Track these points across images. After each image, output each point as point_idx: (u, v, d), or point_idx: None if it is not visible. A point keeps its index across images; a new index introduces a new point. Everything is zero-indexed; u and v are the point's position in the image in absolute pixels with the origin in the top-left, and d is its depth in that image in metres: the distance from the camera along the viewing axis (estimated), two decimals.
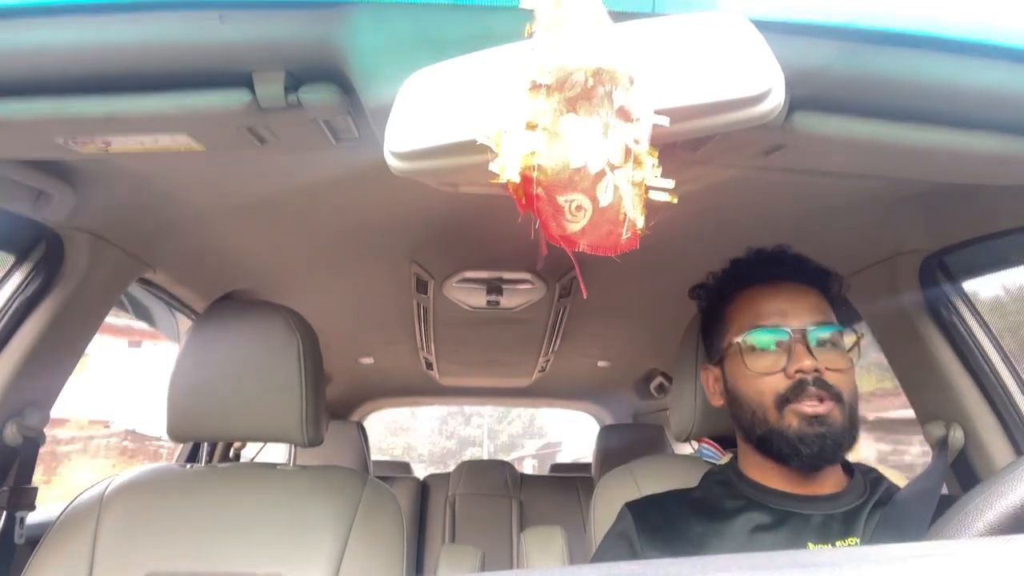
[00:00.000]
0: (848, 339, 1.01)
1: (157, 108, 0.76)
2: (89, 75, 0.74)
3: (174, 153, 0.88)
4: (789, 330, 0.97)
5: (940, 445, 1.27)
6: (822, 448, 0.93)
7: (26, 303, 1.25)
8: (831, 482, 1.00)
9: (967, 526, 0.53)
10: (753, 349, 0.99)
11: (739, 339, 1.00)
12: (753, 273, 1.06)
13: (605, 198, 0.55)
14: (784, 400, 0.95)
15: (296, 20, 0.70)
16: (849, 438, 0.95)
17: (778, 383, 0.96)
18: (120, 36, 0.70)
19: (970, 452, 1.27)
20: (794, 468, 0.97)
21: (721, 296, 1.10)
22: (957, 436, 1.26)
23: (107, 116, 0.77)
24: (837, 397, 0.95)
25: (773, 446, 0.96)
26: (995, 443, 1.25)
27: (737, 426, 1.05)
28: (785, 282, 1.04)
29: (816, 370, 0.94)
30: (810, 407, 0.94)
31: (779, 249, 1.08)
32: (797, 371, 0.95)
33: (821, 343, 0.98)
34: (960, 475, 1.30)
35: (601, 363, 2.86)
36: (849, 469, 1.04)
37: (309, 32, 0.71)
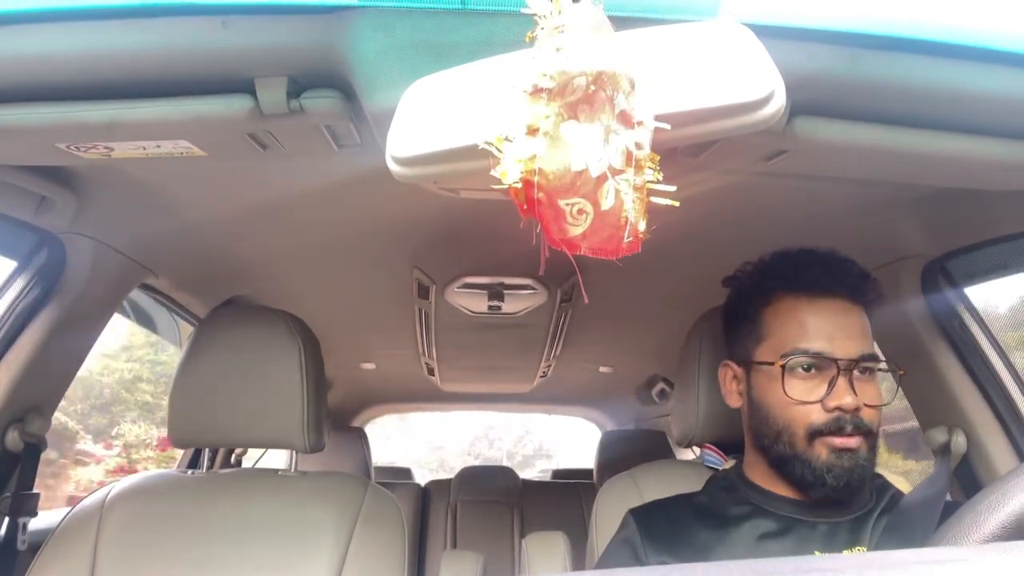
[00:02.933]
0: (883, 363, 0.98)
1: (159, 114, 0.76)
2: (91, 81, 0.74)
3: (176, 159, 0.88)
4: (836, 361, 0.93)
5: (943, 451, 1.27)
6: (849, 481, 0.91)
7: (28, 309, 1.25)
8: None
9: (970, 532, 0.53)
10: (794, 372, 0.94)
11: (780, 360, 0.95)
12: (797, 275, 1.00)
13: (607, 202, 0.55)
14: (817, 432, 0.92)
15: (298, 26, 0.70)
16: (871, 470, 0.94)
17: (813, 414, 0.93)
18: (122, 42, 0.70)
19: (973, 457, 1.27)
20: (813, 496, 0.95)
21: (759, 291, 1.03)
22: (959, 442, 1.26)
23: (109, 122, 0.77)
24: (868, 433, 0.93)
25: (795, 471, 0.94)
26: (998, 448, 1.24)
27: (753, 436, 1.02)
28: (832, 297, 0.97)
29: (856, 408, 0.91)
30: (842, 441, 0.91)
31: (828, 251, 1.02)
32: (837, 407, 0.91)
33: (863, 372, 0.95)
34: (962, 481, 1.29)
35: (603, 368, 2.86)
36: None
37: (311, 38, 0.71)
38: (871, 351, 0.96)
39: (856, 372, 0.93)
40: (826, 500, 0.95)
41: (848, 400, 0.91)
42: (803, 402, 0.93)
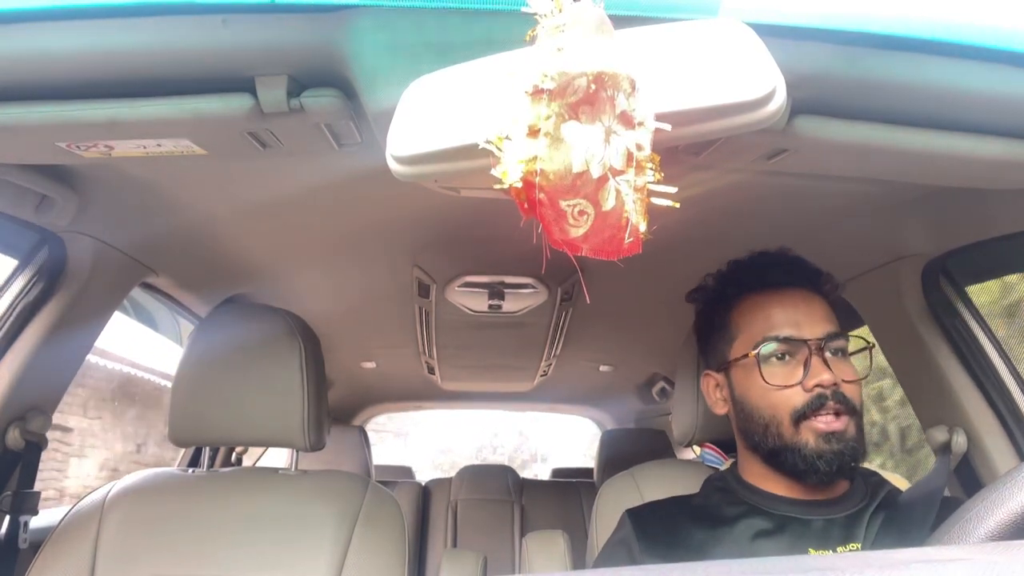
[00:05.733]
0: (853, 345, 1.01)
1: (159, 113, 0.76)
2: (92, 80, 0.74)
3: (177, 158, 0.88)
4: (806, 342, 0.96)
5: (943, 449, 1.27)
6: (841, 465, 0.92)
7: (29, 307, 1.26)
8: (833, 487, 0.99)
9: (969, 532, 0.53)
10: (768, 361, 0.97)
11: (753, 351, 0.98)
12: (756, 277, 1.05)
13: (608, 203, 0.55)
14: (801, 416, 0.93)
15: (299, 25, 0.70)
16: (862, 452, 0.95)
17: (794, 397, 0.94)
18: (123, 40, 0.70)
19: (973, 456, 1.27)
20: (809, 483, 0.96)
21: (722, 299, 1.08)
22: (960, 441, 1.26)
23: (109, 121, 0.77)
24: (852, 410, 0.94)
25: (787, 461, 0.95)
26: (998, 447, 1.24)
27: (742, 436, 1.04)
28: (792, 288, 1.02)
29: (835, 383, 0.93)
30: (825, 424, 0.92)
31: (780, 252, 1.07)
32: (816, 385, 0.93)
33: (836, 352, 0.97)
34: (963, 479, 1.29)
35: (603, 367, 2.86)
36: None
37: (312, 37, 0.71)
38: (838, 330, 0.99)
39: (828, 353, 0.96)
40: (821, 486, 0.96)
41: (826, 376, 0.93)
42: (782, 386, 0.95)
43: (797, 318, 0.98)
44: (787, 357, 0.97)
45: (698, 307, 1.15)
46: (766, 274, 1.04)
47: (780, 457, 0.96)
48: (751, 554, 0.94)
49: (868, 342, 1.02)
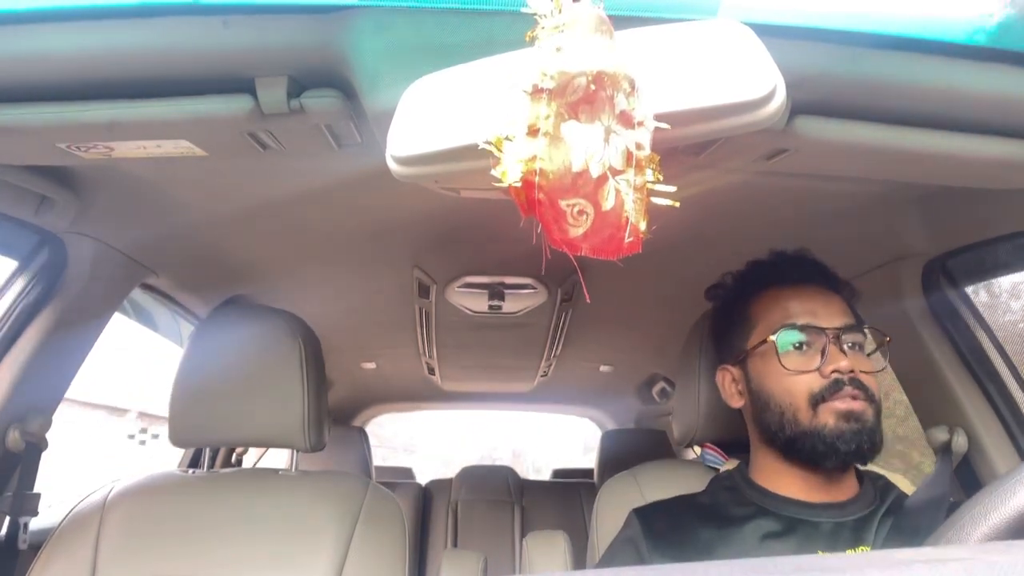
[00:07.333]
0: (871, 343, 1.02)
1: (160, 114, 0.76)
2: (92, 81, 0.74)
3: (177, 159, 0.88)
4: (824, 329, 0.97)
5: (943, 450, 1.27)
6: (859, 445, 0.92)
7: (29, 308, 1.25)
8: (843, 489, 0.99)
9: (971, 531, 0.53)
10: (786, 347, 0.98)
11: (772, 337, 0.99)
12: (776, 273, 1.06)
13: (607, 203, 0.55)
14: (819, 399, 0.94)
15: (299, 26, 0.70)
16: (880, 439, 0.95)
17: (812, 382, 0.95)
18: (123, 41, 0.70)
19: (973, 457, 1.27)
20: (828, 468, 0.96)
21: (742, 295, 1.09)
22: (960, 441, 1.26)
23: (110, 122, 0.77)
24: (871, 398, 0.95)
25: (806, 447, 0.95)
26: (998, 448, 1.24)
27: (759, 429, 1.03)
28: (810, 284, 1.04)
29: (851, 370, 0.94)
30: (844, 404, 0.93)
31: (800, 252, 1.09)
32: (833, 371, 0.94)
33: (853, 345, 0.98)
34: (963, 480, 1.29)
35: (603, 368, 2.86)
36: (859, 476, 1.03)
37: (312, 38, 0.71)
38: (855, 322, 1.00)
39: (846, 346, 0.97)
40: (837, 470, 0.97)
41: (843, 363, 0.94)
42: (800, 371, 0.96)
43: (815, 308, 1.00)
44: (805, 347, 0.98)
45: (716, 303, 1.16)
46: (785, 270, 1.06)
47: (798, 444, 0.96)
48: (759, 555, 0.93)
49: (884, 336, 1.03)
